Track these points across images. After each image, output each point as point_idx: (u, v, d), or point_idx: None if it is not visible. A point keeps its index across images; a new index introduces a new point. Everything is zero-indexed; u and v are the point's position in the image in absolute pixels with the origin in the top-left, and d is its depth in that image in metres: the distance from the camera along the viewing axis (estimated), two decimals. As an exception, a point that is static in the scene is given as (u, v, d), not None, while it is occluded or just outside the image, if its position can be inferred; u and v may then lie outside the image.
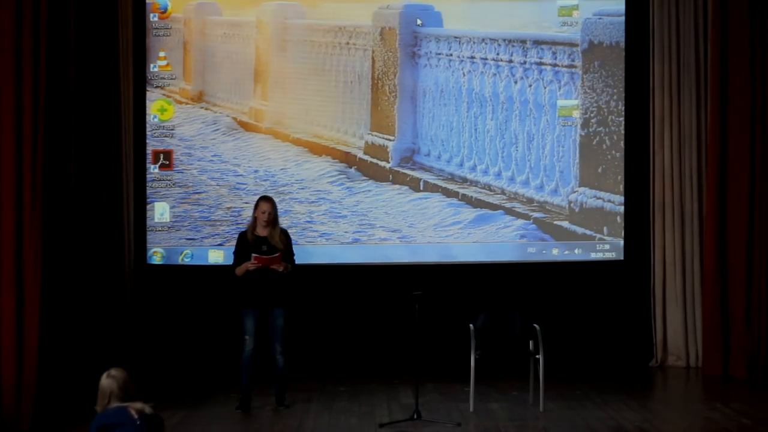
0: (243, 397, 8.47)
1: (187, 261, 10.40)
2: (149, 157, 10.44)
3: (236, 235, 8.67)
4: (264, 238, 8.41)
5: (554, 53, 10.43)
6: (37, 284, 7.70)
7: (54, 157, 8.70)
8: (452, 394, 9.01)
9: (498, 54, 10.45)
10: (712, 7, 10.01)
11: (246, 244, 8.41)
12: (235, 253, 8.52)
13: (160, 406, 8.47)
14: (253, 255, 8.29)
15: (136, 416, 5.22)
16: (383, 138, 10.56)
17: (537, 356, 8.31)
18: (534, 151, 10.46)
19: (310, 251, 10.23)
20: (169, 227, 10.41)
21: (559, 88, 10.44)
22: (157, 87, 10.51)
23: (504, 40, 10.44)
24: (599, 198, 10.48)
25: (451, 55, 10.51)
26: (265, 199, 8.53)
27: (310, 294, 10.14)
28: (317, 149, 10.60)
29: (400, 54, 10.54)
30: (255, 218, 8.46)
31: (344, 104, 10.63)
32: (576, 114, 10.47)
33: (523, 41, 10.43)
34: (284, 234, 8.53)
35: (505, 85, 10.46)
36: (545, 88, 10.44)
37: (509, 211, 10.46)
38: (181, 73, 10.59)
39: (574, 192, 10.48)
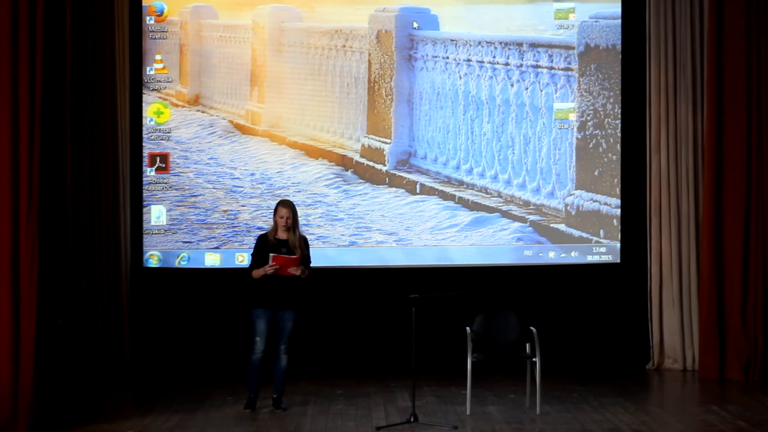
0: (251, 397, 8.49)
1: (184, 264, 10.39)
2: (146, 160, 10.43)
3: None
4: (284, 241, 8.44)
5: (551, 56, 10.43)
6: (33, 287, 7.69)
7: (50, 161, 8.70)
8: (449, 397, 9.01)
9: (494, 57, 10.45)
10: (708, 10, 10.02)
11: (266, 245, 8.43)
12: (253, 254, 8.54)
13: (157, 410, 8.53)
14: (271, 255, 8.30)
15: None
16: (380, 141, 10.56)
17: (534, 359, 8.31)
18: (530, 154, 10.46)
19: (306, 254, 10.23)
20: (165, 230, 10.40)
21: (556, 91, 10.44)
22: (153, 90, 10.51)
23: (500, 43, 10.45)
24: (596, 201, 10.48)
25: (448, 58, 10.51)
26: (284, 204, 8.54)
27: (307, 297, 10.13)
28: (314, 152, 10.60)
29: (396, 57, 10.54)
30: (275, 222, 8.49)
31: (341, 107, 10.62)
32: (572, 117, 10.47)
33: (520, 44, 10.43)
34: (303, 240, 8.56)
35: (501, 88, 10.46)
36: (541, 91, 10.44)
37: (506, 214, 10.46)
38: (177, 76, 10.58)
39: (571, 195, 10.48)
